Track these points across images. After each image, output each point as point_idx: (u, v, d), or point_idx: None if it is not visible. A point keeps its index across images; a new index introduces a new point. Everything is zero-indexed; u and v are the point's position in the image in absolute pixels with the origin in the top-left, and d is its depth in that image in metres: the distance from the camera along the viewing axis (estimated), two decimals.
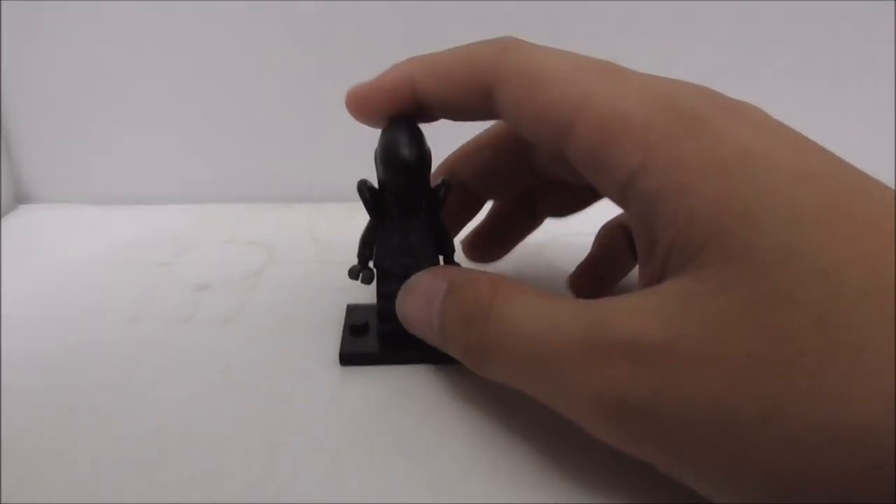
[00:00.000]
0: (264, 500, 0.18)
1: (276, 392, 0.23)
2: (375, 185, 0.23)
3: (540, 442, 0.20)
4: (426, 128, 0.23)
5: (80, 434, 0.21)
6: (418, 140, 0.22)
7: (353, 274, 0.24)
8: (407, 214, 0.23)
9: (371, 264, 0.24)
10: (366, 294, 0.26)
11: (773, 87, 0.25)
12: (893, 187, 0.16)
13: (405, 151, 0.22)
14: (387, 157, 0.22)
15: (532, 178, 0.26)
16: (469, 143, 0.26)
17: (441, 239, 0.24)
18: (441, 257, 0.24)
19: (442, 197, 0.23)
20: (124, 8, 0.36)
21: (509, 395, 0.20)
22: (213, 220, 0.37)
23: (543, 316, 0.18)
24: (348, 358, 0.24)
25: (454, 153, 0.27)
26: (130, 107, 0.38)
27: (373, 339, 0.25)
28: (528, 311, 0.18)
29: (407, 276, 0.23)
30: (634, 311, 0.16)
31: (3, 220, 0.38)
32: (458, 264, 0.24)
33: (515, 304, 0.19)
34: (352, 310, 0.27)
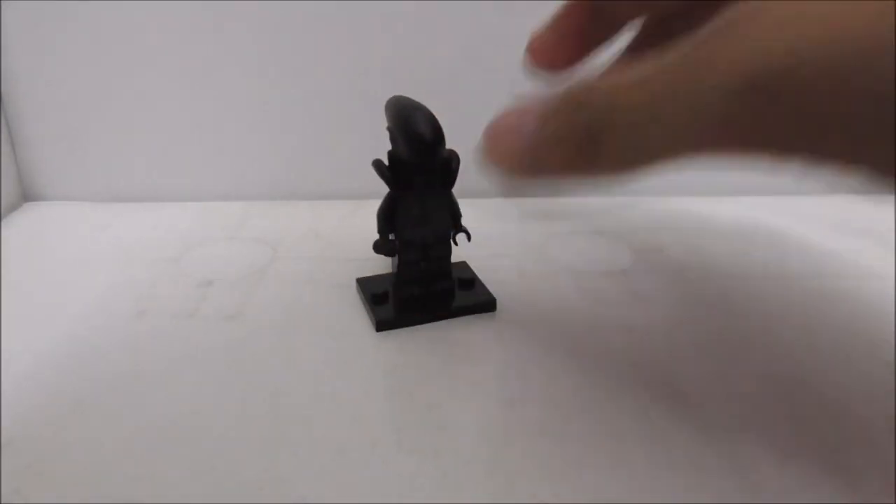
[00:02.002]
0: (266, 495, 0.19)
1: (279, 386, 0.23)
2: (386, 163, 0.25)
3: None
4: (434, 107, 0.24)
5: (86, 428, 0.21)
6: (432, 115, 0.24)
7: (378, 247, 0.26)
8: (424, 186, 0.25)
9: (391, 236, 0.26)
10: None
11: None
12: None
13: (424, 127, 0.23)
14: (408, 134, 0.23)
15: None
16: None
17: (452, 207, 0.26)
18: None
19: (454, 169, 0.25)
20: (130, 6, 0.36)
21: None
22: (218, 218, 0.37)
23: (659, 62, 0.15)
24: (385, 324, 0.25)
25: None
26: (136, 105, 0.39)
27: (393, 306, 0.26)
28: (637, 70, 0.15)
29: (425, 244, 0.26)
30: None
31: (9, 217, 0.38)
32: (466, 230, 0.26)
33: (623, 72, 0.16)
34: (363, 282, 0.28)
